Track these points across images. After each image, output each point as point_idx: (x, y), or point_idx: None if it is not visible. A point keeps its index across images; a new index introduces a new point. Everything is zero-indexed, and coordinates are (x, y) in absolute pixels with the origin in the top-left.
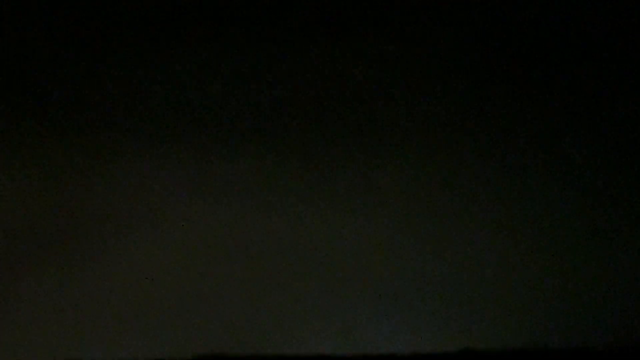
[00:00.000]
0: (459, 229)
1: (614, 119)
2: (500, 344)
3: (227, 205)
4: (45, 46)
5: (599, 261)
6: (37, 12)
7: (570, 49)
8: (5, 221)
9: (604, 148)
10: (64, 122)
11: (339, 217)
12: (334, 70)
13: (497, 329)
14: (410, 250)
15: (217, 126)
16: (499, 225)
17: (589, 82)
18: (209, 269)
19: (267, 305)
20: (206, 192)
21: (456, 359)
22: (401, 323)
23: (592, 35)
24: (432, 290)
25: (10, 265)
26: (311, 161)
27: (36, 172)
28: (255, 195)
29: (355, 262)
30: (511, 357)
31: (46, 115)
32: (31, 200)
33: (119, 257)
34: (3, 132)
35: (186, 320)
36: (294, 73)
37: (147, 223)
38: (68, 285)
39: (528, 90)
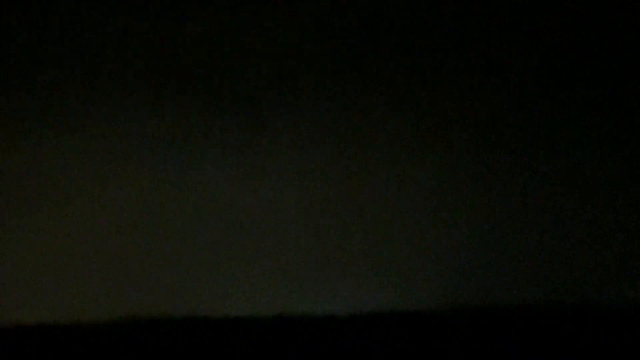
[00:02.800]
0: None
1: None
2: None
3: (145, 168)
4: None
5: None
6: None
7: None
8: None
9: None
10: None
11: (263, 179)
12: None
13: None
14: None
15: (132, 91)
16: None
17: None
18: (128, 234)
19: (192, 268)
20: (126, 157)
21: (391, 320)
22: (341, 284)
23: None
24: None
25: None
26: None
27: None
28: (172, 159)
29: (286, 222)
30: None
31: None
32: None
33: (41, 222)
34: None
35: (109, 285)
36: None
37: (71, 185)
38: None
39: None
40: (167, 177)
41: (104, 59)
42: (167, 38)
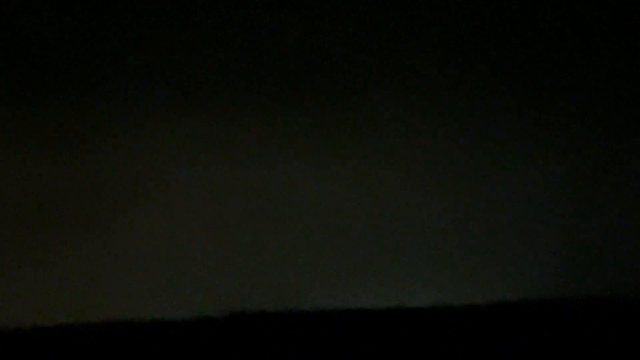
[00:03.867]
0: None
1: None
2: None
3: (235, 166)
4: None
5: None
6: None
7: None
8: (16, 190)
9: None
10: (70, 88)
11: (345, 174)
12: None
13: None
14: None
15: (216, 91)
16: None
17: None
18: (223, 230)
19: (284, 262)
20: (218, 154)
21: (461, 313)
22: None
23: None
24: (433, 245)
25: (24, 233)
26: (316, 120)
27: (44, 140)
28: (264, 156)
29: (362, 219)
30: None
31: (52, 81)
32: (40, 169)
33: (134, 221)
34: (6, 97)
35: (207, 281)
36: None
37: (163, 185)
38: (87, 248)
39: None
40: (252, 176)
41: (188, 62)
42: (251, 40)
